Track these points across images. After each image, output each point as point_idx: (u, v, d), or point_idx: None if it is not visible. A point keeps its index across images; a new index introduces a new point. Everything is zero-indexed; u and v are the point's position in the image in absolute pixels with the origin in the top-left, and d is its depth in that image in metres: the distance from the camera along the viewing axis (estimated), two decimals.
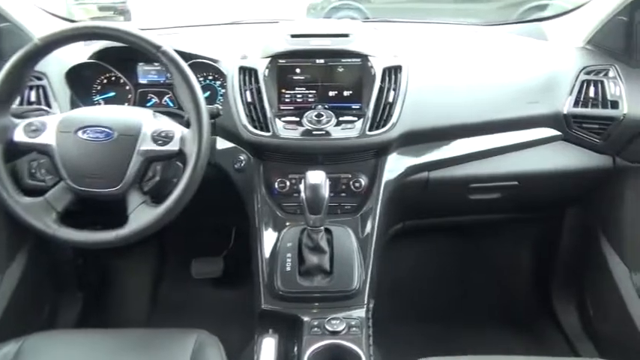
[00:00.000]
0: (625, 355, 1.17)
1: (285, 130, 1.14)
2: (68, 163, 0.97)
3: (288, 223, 1.15)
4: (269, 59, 1.18)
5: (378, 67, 1.17)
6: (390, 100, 1.15)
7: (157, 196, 1.05)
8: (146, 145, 0.98)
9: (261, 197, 1.18)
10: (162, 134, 0.99)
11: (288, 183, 1.18)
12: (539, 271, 1.67)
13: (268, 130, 1.14)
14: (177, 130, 1.00)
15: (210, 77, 1.29)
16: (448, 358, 0.93)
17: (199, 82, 1.28)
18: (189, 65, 1.19)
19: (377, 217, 1.16)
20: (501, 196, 1.31)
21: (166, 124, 1.03)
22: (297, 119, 1.16)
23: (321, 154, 1.16)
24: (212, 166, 1.18)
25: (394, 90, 1.16)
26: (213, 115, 1.09)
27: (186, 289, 1.74)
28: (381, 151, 1.17)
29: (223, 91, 1.23)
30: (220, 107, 1.12)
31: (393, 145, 1.17)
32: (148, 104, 1.31)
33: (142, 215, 0.96)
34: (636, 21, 1.23)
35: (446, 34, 1.55)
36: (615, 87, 1.22)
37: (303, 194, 0.99)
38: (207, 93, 1.29)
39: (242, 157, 1.18)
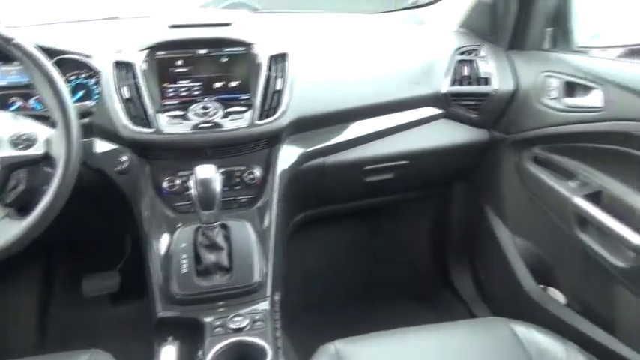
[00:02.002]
0: (514, 310, 1.27)
1: (170, 126, 1.08)
2: None
3: (180, 224, 1.09)
4: (146, 52, 1.11)
5: (263, 55, 1.15)
6: (278, 87, 1.14)
7: (25, 207, 0.94)
8: (4, 151, 0.88)
9: (149, 199, 1.11)
10: (24, 137, 0.89)
11: (178, 181, 1.12)
12: (436, 245, 1.77)
13: (150, 127, 1.07)
14: (41, 132, 0.91)
15: (83, 75, 1.18)
16: (353, 338, 0.95)
17: (70, 81, 1.18)
18: (57, 62, 1.09)
19: (274, 208, 1.14)
20: (394, 176, 1.36)
21: (28, 126, 0.92)
22: (182, 113, 1.10)
23: (210, 148, 1.11)
24: (93, 171, 1.09)
25: (281, 77, 1.15)
26: (84, 114, 1.00)
27: (79, 311, 1.59)
28: (273, 140, 1.15)
29: (100, 89, 1.14)
30: (92, 104, 1.03)
31: (284, 134, 1.16)
32: (12, 108, 1.17)
33: (4, 231, 0.86)
34: (498, 3, 1.34)
35: (333, 23, 1.57)
36: (486, 65, 1.32)
37: (193, 190, 0.94)
38: (81, 93, 1.18)
39: (124, 159, 1.10)
